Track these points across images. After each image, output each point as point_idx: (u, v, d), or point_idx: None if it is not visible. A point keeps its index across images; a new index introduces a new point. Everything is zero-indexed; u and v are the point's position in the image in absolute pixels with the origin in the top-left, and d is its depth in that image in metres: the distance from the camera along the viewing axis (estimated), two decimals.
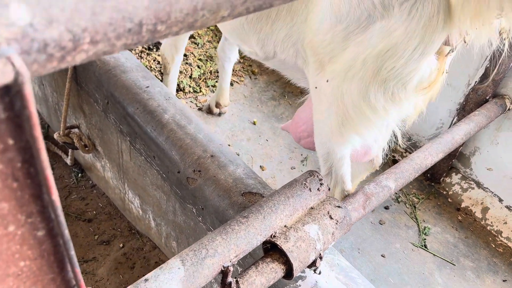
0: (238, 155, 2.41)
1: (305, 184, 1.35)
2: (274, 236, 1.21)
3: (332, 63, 1.20)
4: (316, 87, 1.29)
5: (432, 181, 2.51)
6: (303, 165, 2.44)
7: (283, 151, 2.48)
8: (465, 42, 1.12)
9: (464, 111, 2.17)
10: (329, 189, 1.38)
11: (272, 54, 1.44)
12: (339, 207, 1.33)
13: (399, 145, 1.46)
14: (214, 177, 1.55)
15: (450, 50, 1.17)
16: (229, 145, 2.45)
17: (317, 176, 1.37)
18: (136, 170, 1.98)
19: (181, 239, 1.89)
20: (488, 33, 1.04)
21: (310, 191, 1.34)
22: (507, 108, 2.04)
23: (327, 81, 1.23)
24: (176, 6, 0.45)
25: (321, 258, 1.28)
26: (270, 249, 1.22)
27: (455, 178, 2.45)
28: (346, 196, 1.48)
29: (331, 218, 1.31)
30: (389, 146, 1.42)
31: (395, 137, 1.40)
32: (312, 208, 1.34)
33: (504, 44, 1.05)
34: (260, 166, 2.37)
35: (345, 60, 1.17)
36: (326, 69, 1.23)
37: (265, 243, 1.22)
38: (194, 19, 0.49)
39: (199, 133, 1.69)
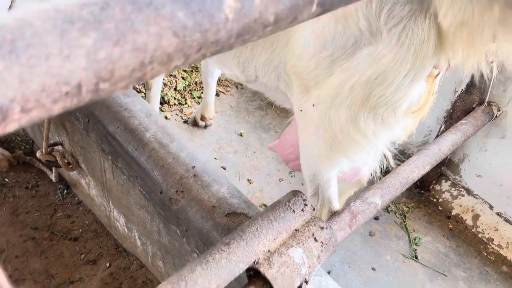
0: (225, 168, 2.37)
1: (288, 205, 1.31)
2: (257, 263, 1.17)
3: (318, 88, 1.17)
4: (301, 110, 1.25)
5: (421, 188, 2.49)
6: (291, 176, 2.40)
7: (271, 163, 2.45)
8: (449, 65, 1.09)
9: (451, 119, 2.15)
10: (313, 209, 1.35)
11: (254, 77, 1.41)
12: (324, 228, 1.30)
13: (390, 166, 1.44)
14: (197, 198, 1.52)
15: (439, 72, 1.14)
16: (215, 159, 2.42)
17: (301, 196, 1.34)
18: (119, 189, 1.94)
19: (167, 259, 1.85)
20: (478, 60, 1.01)
21: (294, 212, 1.31)
22: (494, 115, 2.02)
23: (313, 105, 1.20)
24: (120, 63, 0.42)
25: (306, 282, 1.25)
26: (254, 276, 1.19)
27: (445, 185, 2.42)
28: (331, 215, 1.45)
29: (316, 240, 1.28)
30: (381, 169, 1.40)
31: (386, 159, 1.37)
32: (296, 230, 1.30)
33: (492, 67, 1.03)
34: (248, 180, 2.33)
35: (332, 87, 1.13)
36: (312, 93, 1.19)
37: (248, 269, 1.19)
38: (142, 73, 0.45)
39: (181, 152, 1.65)
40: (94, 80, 0.41)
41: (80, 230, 2.40)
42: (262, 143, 2.58)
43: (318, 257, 1.27)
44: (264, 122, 2.72)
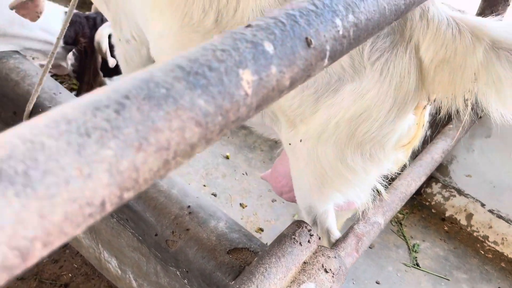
0: (216, 195, 2.31)
1: (294, 238, 1.28)
2: None
3: (305, 124, 1.13)
4: (290, 144, 1.22)
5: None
6: None
7: (262, 183, 2.40)
8: (428, 99, 1.08)
9: (436, 123, 2.16)
10: (319, 238, 1.31)
11: None
12: (332, 257, 1.27)
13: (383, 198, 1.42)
14: (195, 237, 1.46)
15: (427, 104, 1.12)
16: (204, 186, 2.36)
17: (305, 227, 1.30)
18: (109, 232, 1.86)
19: None
20: (456, 98, 1.00)
21: (301, 245, 1.27)
22: (479, 116, 2.04)
23: (301, 141, 1.16)
24: (144, 168, 0.37)
25: None
26: None
27: (436, 187, 2.43)
28: (337, 240, 1.42)
29: (326, 271, 1.25)
30: (373, 204, 1.37)
31: (378, 193, 1.35)
32: (305, 263, 1.26)
33: (467, 105, 1.02)
34: (240, 204, 2.28)
35: (317, 123, 1.10)
36: (299, 129, 1.16)
37: None
38: (166, 169, 0.40)
39: (172, 189, 1.59)
40: (118, 193, 0.36)
41: (70, 275, 2.30)
42: (250, 163, 2.53)
43: None
44: (249, 141, 2.68)
